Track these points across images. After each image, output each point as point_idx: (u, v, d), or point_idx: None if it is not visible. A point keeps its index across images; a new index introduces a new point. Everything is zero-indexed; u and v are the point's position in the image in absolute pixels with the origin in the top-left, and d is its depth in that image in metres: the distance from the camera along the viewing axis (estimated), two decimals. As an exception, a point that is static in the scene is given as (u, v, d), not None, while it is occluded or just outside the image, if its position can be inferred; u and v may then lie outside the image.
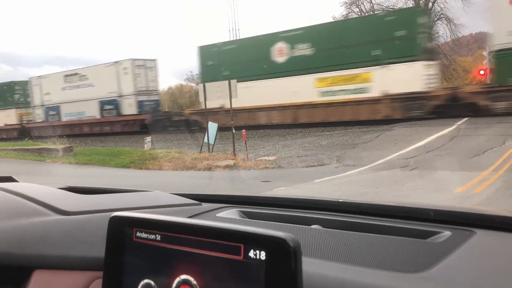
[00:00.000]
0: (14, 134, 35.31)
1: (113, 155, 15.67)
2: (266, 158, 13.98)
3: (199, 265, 0.73)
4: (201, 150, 15.22)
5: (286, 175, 11.24)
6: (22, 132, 34.45)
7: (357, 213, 1.24)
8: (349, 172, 10.41)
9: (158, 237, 0.78)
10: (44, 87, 34.65)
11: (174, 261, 0.76)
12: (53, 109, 34.63)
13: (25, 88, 36.95)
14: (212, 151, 14.75)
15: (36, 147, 18.18)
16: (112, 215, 0.84)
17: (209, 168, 12.37)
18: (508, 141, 12.21)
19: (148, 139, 16.81)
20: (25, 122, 36.57)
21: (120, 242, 0.82)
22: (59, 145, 17.53)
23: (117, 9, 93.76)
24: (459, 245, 0.96)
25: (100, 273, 0.87)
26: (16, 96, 36.94)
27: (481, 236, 1.02)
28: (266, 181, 10.07)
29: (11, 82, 37.77)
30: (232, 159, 13.28)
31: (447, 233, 1.04)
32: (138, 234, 0.80)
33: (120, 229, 0.82)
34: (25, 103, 36.91)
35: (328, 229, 1.14)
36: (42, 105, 35.28)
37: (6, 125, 37.35)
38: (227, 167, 12.40)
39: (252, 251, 0.68)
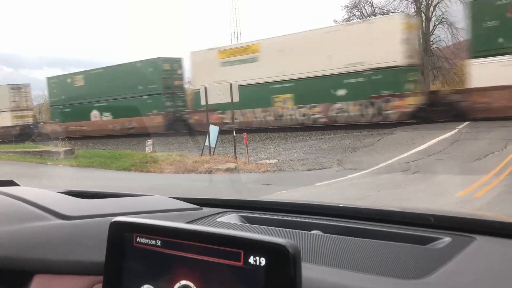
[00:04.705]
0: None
1: (115, 158, 15.68)
2: (267, 161, 13.98)
3: (199, 271, 0.73)
4: (202, 153, 15.23)
5: (287, 179, 11.24)
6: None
7: (357, 219, 1.24)
8: (350, 176, 10.40)
9: (159, 243, 0.78)
10: None
11: (174, 267, 0.76)
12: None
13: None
14: (213, 154, 14.75)
15: (38, 149, 18.21)
16: (112, 220, 0.84)
17: (210, 171, 12.37)
18: (509, 145, 12.19)
19: (150, 142, 16.85)
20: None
21: (120, 247, 0.82)
22: (60, 148, 17.57)
23: (118, 11, 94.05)
24: (459, 251, 0.96)
25: (100, 278, 0.87)
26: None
27: (481, 242, 1.02)
28: (267, 185, 10.07)
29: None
30: (233, 162, 13.28)
31: (446, 239, 1.04)
32: (139, 239, 0.80)
33: (121, 234, 0.82)
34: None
35: (328, 234, 1.14)
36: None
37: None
38: (228, 170, 12.40)
39: (252, 257, 0.68)
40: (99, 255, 0.93)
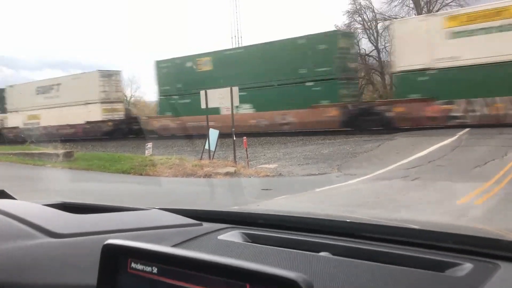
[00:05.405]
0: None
1: (114, 161, 15.63)
2: (267, 165, 13.94)
3: None
4: (201, 157, 15.17)
5: (287, 184, 11.18)
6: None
7: (367, 238, 1.16)
8: (350, 181, 10.35)
9: (155, 270, 0.71)
10: None
11: None
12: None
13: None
14: (212, 158, 14.71)
15: (37, 151, 18.17)
16: (105, 243, 0.77)
17: (210, 175, 12.31)
18: (509, 153, 12.15)
19: (149, 145, 16.78)
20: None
21: (113, 272, 0.75)
22: (59, 150, 17.52)
23: (118, 13, 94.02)
24: (483, 282, 0.86)
25: None
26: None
27: (506, 270, 0.92)
28: (267, 189, 10.02)
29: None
30: (232, 167, 13.22)
31: (467, 266, 0.94)
32: (133, 265, 0.73)
33: (114, 259, 0.76)
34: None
35: (337, 257, 1.07)
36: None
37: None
38: (227, 174, 12.35)
39: None
40: (92, 277, 0.85)
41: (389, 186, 9.71)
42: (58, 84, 31.72)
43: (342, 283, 0.90)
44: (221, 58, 25.64)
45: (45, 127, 31.27)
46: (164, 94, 28.06)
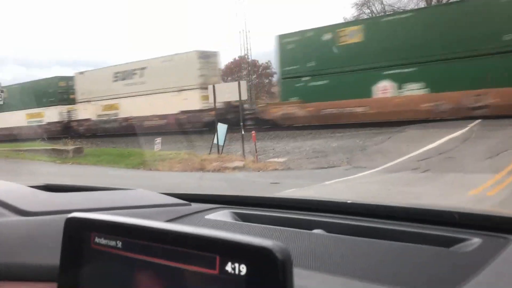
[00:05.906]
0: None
1: (123, 156, 15.72)
2: (276, 159, 13.89)
3: (165, 280, 0.60)
4: (210, 151, 15.18)
5: (296, 177, 11.13)
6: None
7: (366, 216, 1.08)
8: (359, 174, 10.27)
9: (119, 244, 0.64)
10: None
11: (137, 274, 0.63)
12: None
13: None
14: (221, 152, 14.69)
15: (47, 147, 18.30)
16: (68, 216, 0.70)
17: (218, 170, 12.32)
18: (522, 143, 11.95)
19: (158, 140, 16.83)
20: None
21: (77, 248, 0.69)
22: (69, 146, 17.63)
23: (124, 11, 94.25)
24: (493, 256, 0.79)
25: None
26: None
27: None
28: (275, 183, 9.96)
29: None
30: (241, 161, 13.21)
31: (475, 241, 0.87)
32: (97, 239, 0.67)
33: (77, 233, 0.69)
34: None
35: (332, 234, 0.99)
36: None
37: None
38: (236, 168, 12.33)
39: (229, 263, 0.54)
40: (58, 258, 0.78)
41: (399, 179, 9.61)
42: (143, 68, 26.91)
43: (336, 261, 0.83)
44: (377, 27, 20.43)
45: (125, 119, 27.17)
46: (289, 75, 22.25)
